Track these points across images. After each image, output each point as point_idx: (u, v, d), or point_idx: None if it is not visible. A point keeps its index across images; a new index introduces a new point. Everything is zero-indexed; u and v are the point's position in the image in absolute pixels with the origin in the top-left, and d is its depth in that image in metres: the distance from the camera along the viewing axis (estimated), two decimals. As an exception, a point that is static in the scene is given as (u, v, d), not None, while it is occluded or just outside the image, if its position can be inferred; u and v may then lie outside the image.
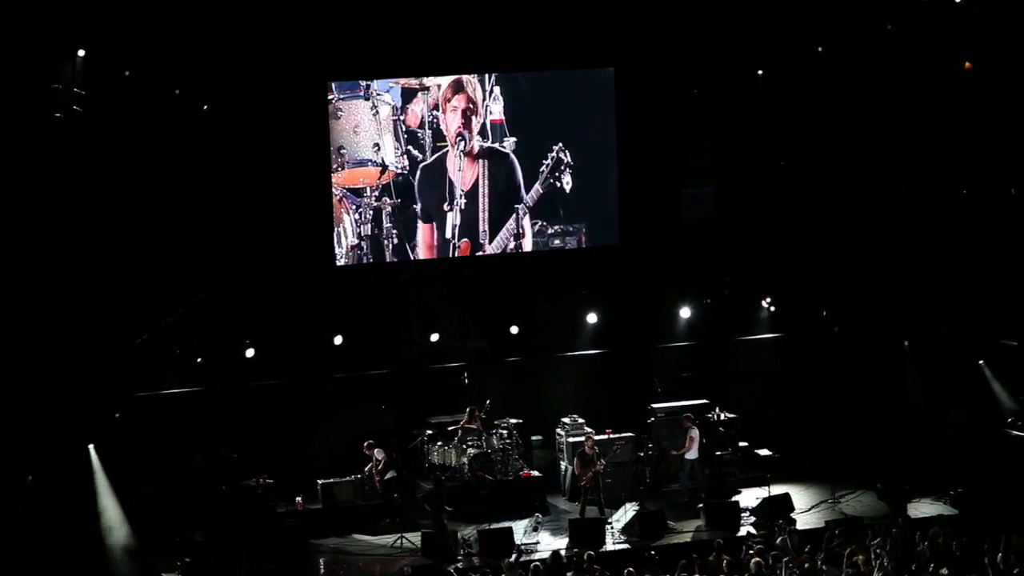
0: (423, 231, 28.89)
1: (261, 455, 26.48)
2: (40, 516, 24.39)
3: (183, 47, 26.27)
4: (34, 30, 24.67)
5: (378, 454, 26.26)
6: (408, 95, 28.56)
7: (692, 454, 26.63)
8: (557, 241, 29.55)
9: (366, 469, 26.43)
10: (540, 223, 29.44)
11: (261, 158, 27.36)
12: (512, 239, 29.23)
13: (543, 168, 29.20)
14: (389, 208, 28.73)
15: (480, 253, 29.17)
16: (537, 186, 29.23)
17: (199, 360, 27.32)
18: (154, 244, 26.77)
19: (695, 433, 26.65)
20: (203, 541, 24.50)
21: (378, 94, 28.46)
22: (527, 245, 29.36)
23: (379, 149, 28.53)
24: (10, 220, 25.07)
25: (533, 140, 29.22)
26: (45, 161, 25.44)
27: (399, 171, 28.67)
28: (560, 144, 29.24)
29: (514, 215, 29.23)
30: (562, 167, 29.22)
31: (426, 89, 28.61)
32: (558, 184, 29.29)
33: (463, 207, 28.96)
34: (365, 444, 26.39)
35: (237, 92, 27.18)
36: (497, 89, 28.90)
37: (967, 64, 27.59)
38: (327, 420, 27.44)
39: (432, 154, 28.74)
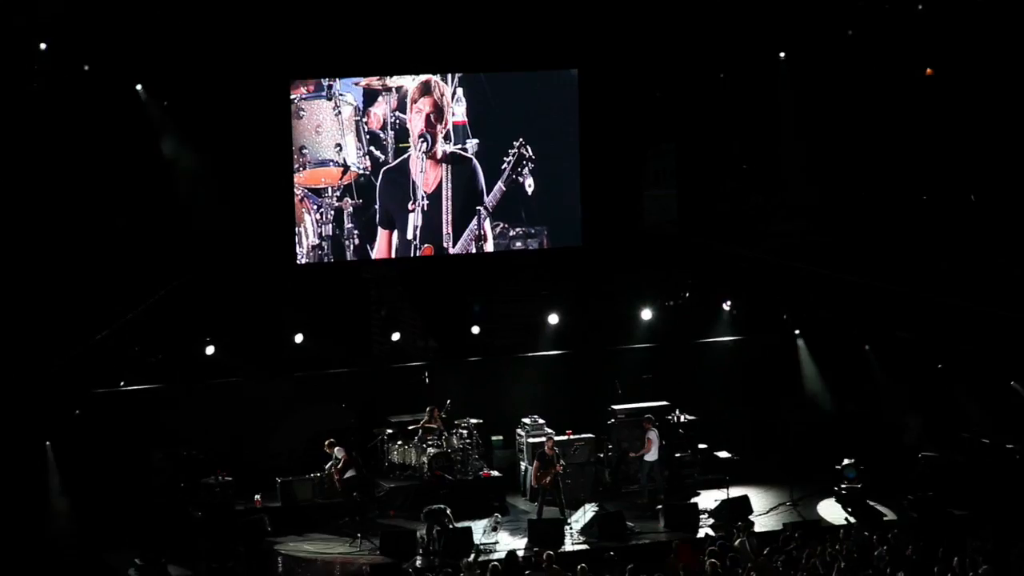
0: (381, 237, 28.79)
1: (220, 453, 26.41)
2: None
3: (145, 42, 26.15)
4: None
5: (338, 452, 26.21)
6: (370, 96, 28.48)
7: (651, 456, 26.68)
8: (519, 243, 29.54)
9: (326, 467, 26.37)
10: (502, 225, 29.42)
11: (223, 156, 27.25)
12: (473, 242, 29.19)
13: (505, 165, 29.17)
14: (351, 208, 28.64)
15: (443, 253, 29.15)
16: (499, 184, 29.19)
17: (159, 357, 27.15)
18: (114, 241, 26.62)
19: (654, 435, 26.70)
20: (161, 539, 24.42)
21: (340, 94, 28.38)
22: (489, 247, 29.31)
23: (341, 149, 28.44)
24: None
25: (496, 142, 29.19)
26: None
27: (361, 172, 28.59)
28: (521, 139, 29.21)
29: (476, 217, 29.18)
30: (524, 162, 29.20)
31: (388, 90, 28.54)
32: (520, 179, 29.26)
33: (425, 208, 28.91)
34: (325, 442, 26.34)
35: (199, 89, 27.04)
36: (460, 91, 28.86)
37: (928, 70, 27.71)
38: (287, 418, 27.40)
39: (394, 156, 28.67)
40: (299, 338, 27.77)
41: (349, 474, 26.14)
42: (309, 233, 28.52)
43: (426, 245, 28.98)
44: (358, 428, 27.53)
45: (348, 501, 26.16)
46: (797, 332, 29.71)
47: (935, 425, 27.65)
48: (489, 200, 29.19)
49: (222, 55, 26.72)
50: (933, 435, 27.46)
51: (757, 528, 24.58)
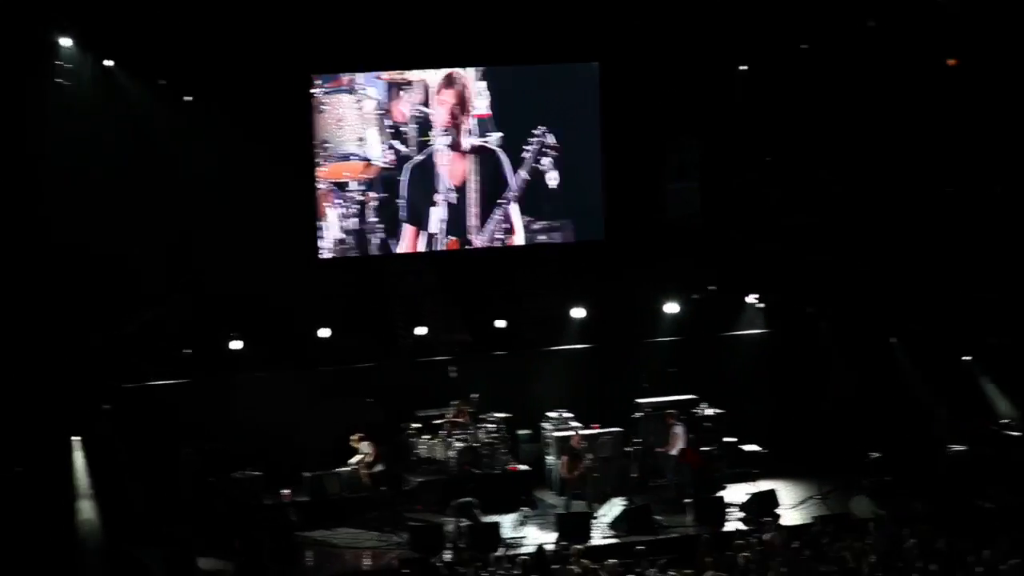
0: (407, 232, 28.84)
1: (248, 447, 26.45)
2: (27, 508, 24.36)
3: (167, 37, 26.17)
4: (18, 19, 24.60)
5: (366, 447, 26.24)
6: (393, 89, 28.47)
7: (675, 451, 26.67)
8: (543, 237, 29.54)
9: (353, 461, 26.40)
10: (526, 218, 29.43)
11: (245, 150, 27.28)
12: (500, 231, 29.17)
13: (526, 153, 29.15)
14: (374, 203, 28.64)
15: (468, 246, 29.21)
16: (522, 172, 29.18)
17: (185, 352, 27.19)
18: (140, 235, 26.66)
19: (679, 429, 26.69)
20: (190, 533, 24.49)
21: (362, 88, 28.36)
22: (519, 239, 29.33)
23: (363, 143, 28.47)
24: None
25: (519, 135, 29.20)
26: (29, 150, 25.40)
27: (384, 165, 28.60)
28: (543, 128, 29.19)
29: (501, 207, 29.16)
30: (545, 149, 29.18)
31: (409, 84, 28.53)
32: (541, 169, 29.22)
33: (452, 201, 28.92)
34: (353, 436, 26.38)
35: (221, 85, 27.10)
36: (483, 84, 28.84)
37: (951, 61, 27.66)
38: (314, 413, 27.40)
39: (418, 149, 28.68)
40: (325, 332, 27.78)
41: (378, 468, 26.19)
42: (333, 227, 28.56)
43: (451, 238, 29.02)
44: (385, 422, 27.53)
45: (376, 495, 26.20)
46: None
47: (962, 418, 27.60)
48: (513, 188, 29.15)
49: (243, 50, 26.77)
50: (960, 428, 27.42)
51: (786, 521, 24.58)
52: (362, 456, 26.28)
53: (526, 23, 28.11)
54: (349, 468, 26.53)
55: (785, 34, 28.88)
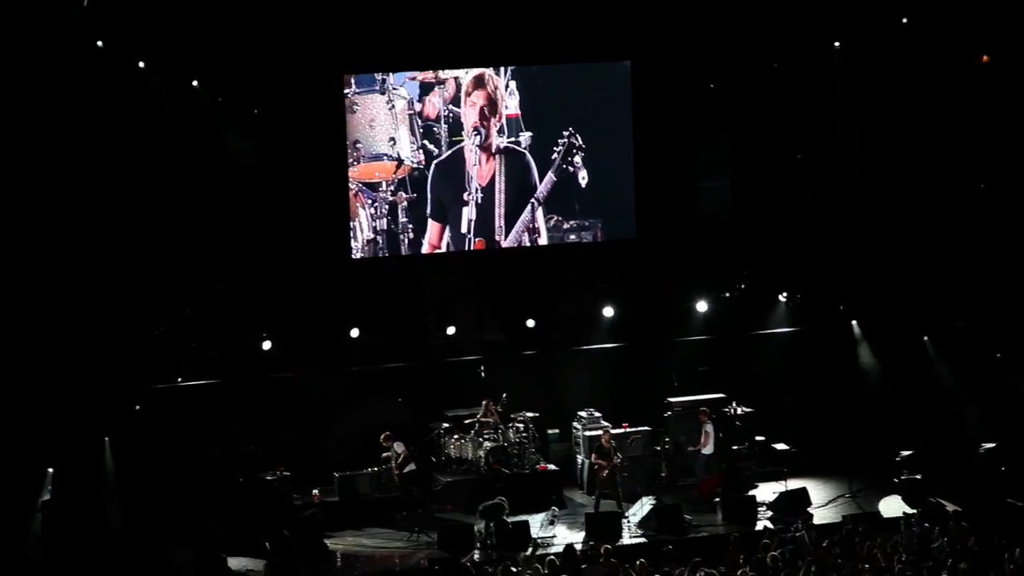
0: (433, 229, 28.79)
1: (278, 448, 26.55)
2: (61, 508, 24.51)
3: (198, 38, 26.26)
4: (52, 22, 24.76)
5: (397, 447, 26.30)
6: (425, 89, 28.48)
7: (708, 449, 26.64)
8: (573, 236, 29.47)
9: (383, 460, 26.46)
10: (556, 218, 29.36)
11: (277, 151, 27.37)
12: (526, 234, 29.17)
13: (555, 155, 29.09)
14: (405, 203, 28.65)
15: (496, 247, 29.12)
16: (550, 174, 29.11)
17: (216, 353, 27.30)
18: (171, 236, 26.79)
19: (710, 428, 26.66)
20: (220, 533, 24.58)
21: (394, 88, 28.39)
22: (542, 240, 29.28)
23: (395, 143, 28.45)
24: (32, 213, 25.22)
25: (549, 134, 29.10)
26: (62, 153, 25.55)
27: (415, 165, 28.61)
28: (571, 128, 29.11)
29: (528, 208, 29.13)
30: (574, 151, 29.11)
31: (442, 83, 28.54)
32: (571, 169, 29.17)
33: (479, 201, 28.91)
34: (382, 436, 26.44)
35: (254, 85, 27.19)
36: (513, 84, 28.81)
37: (984, 57, 27.50)
38: (344, 413, 27.50)
39: (448, 148, 28.70)
40: (355, 333, 27.84)
41: (408, 468, 26.24)
42: (364, 228, 28.55)
43: (479, 239, 28.99)
44: (414, 422, 27.56)
45: (406, 495, 26.26)
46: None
47: (994, 415, 27.43)
48: (541, 191, 29.14)
49: (276, 51, 26.82)
50: (993, 425, 27.25)
51: (816, 520, 24.50)
52: (393, 455, 26.31)
53: (558, 22, 28.06)
54: (379, 468, 26.55)
55: (816, 32, 28.70)
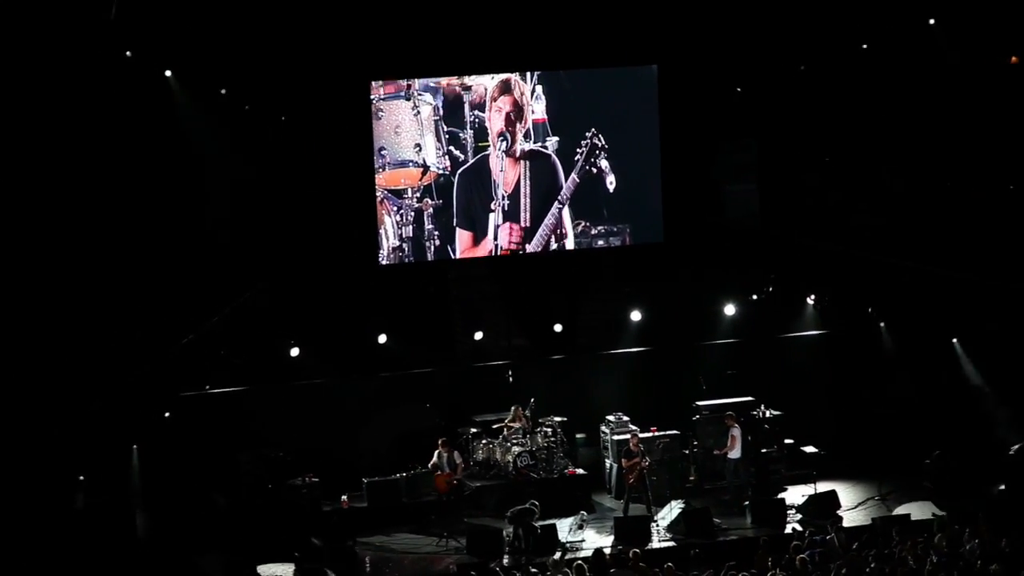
0: (463, 238, 28.77)
1: (306, 454, 26.61)
2: (93, 515, 24.63)
3: (224, 47, 26.35)
4: (82, 32, 24.89)
5: (458, 457, 26.42)
6: (450, 95, 28.47)
7: (735, 453, 26.57)
8: (601, 242, 29.41)
9: (432, 464, 26.44)
10: (584, 223, 29.33)
11: (304, 158, 27.46)
12: (553, 237, 29.12)
13: (578, 156, 29.03)
14: (431, 209, 28.62)
15: (521, 252, 29.08)
16: (573, 175, 29.07)
17: (244, 360, 27.37)
18: (200, 245, 26.90)
19: (737, 432, 26.58)
20: (250, 540, 24.66)
21: (419, 94, 28.39)
22: (569, 244, 29.24)
23: (420, 149, 28.45)
24: (64, 221, 25.35)
25: (576, 139, 29.05)
26: (95, 162, 25.68)
27: (441, 172, 28.59)
28: (593, 129, 29.04)
29: (554, 209, 29.07)
30: (597, 152, 29.06)
31: (468, 89, 28.52)
32: (594, 171, 29.10)
33: (505, 208, 28.88)
34: (440, 441, 26.51)
35: (280, 93, 27.25)
36: (539, 88, 28.79)
37: (1013, 58, 27.39)
38: (372, 419, 27.56)
39: (474, 155, 28.68)
40: (383, 339, 27.87)
41: (456, 480, 26.36)
42: (389, 235, 28.51)
43: (509, 224, 28.92)
44: (443, 427, 27.56)
45: (437, 501, 26.24)
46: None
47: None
48: (564, 192, 29.08)
49: (302, 58, 26.89)
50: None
51: (846, 523, 24.41)
52: (448, 461, 26.33)
53: (584, 27, 28.06)
54: (417, 471, 26.67)
55: (844, 34, 28.62)
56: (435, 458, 26.48)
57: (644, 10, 28.12)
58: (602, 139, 28.99)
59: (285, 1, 26.43)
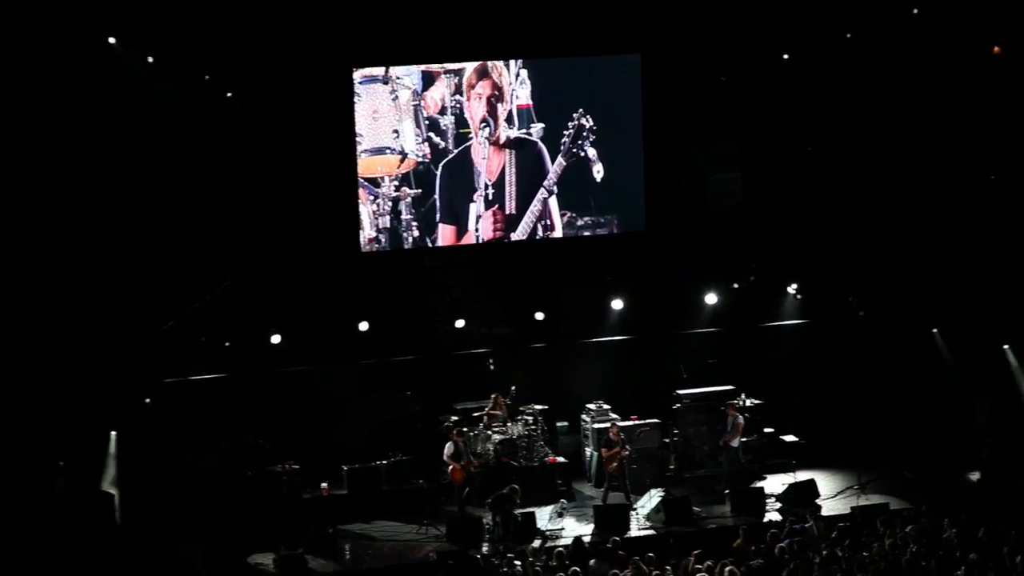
0: (446, 232, 28.63)
1: (287, 441, 26.54)
2: (73, 500, 24.59)
3: (208, 34, 26.28)
4: (63, 19, 24.82)
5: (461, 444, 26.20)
6: (429, 79, 28.20)
7: (736, 442, 26.56)
8: (587, 233, 29.37)
9: (447, 456, 26.00)
10: (570, 214, 29.26)
11: (284, 144, 27.35)
12: (537, 223, 29.04)
13: (564, 138, 28.92)
14: (409, 199, 28.37)
15: (506, 240, 29.02)
16: (560, 159, 28.93)
17: (225, 346, 27.32)
18: (181, 231, 26.85)
19: (741, 420, 26.59)
20: (231, 527, 24.64)
21: (397, 78, 27.99)
22: (557, 234, 29.17)
23: (398, 136, 28.11)
24: (43, 209, 25.31)
25: (561, 126, 28.91)
26: (72, 150, 25.61)
27: (419, 159, 28.32)
28: (581, 110, 28.88)
29: (540, 197, 28.97)
30: (584, 134, 28.94)
31: (449, 73, 28.30)
32: (581, 155, 28.99)
33: (489, 197, 28.73)
34: (454, 432, 26.20)
35: (260, 78, 27.13)
36: (524, 72, 28.60)
37: (996, 48, 27.38)
38: (353, 406, 27.53)
39: (455, 142, 28.45)
40: (364, 326, 27.83)
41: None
42: (366, 226, 28.23)
43: (493, 208, 28.83)
44: (424, 415, 27.54)
45: (414, 488, 26.20)
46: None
47: (1003, 407, 27.33)
48: (550, 177, 28.97)
49: (284, 45, 26.78)
50: (1001, 417, 27.17)
51: (824, 512, 24.44)
52: (462, 450, 26.00)
53: (568, 14, 27.98)
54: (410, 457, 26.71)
55: (828, 23, 28.61)
56: (450, 449, 25.90)
57: (628, -2, 28.10)
58: (590, 120, 28.83)
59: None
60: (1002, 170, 27.98)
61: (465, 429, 26.70)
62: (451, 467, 25.80)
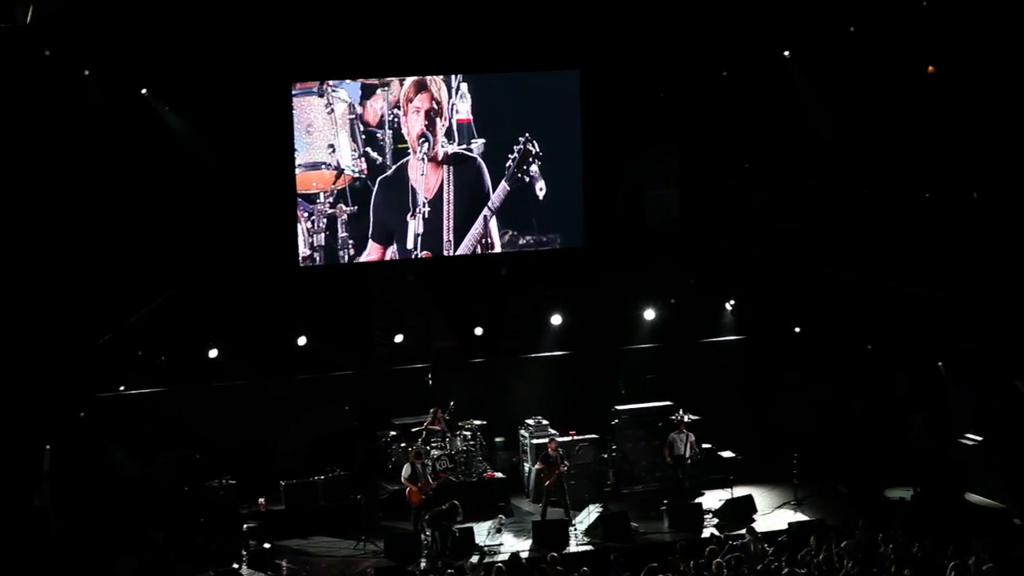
0: (373, 250, 28.39)
1: (224, 456, 26.40)
2: (4, 516, 24.38)
3: (147, 46, 26.11)
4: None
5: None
6: (367, 91, 28.02)
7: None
8: (529, 250, 29.37)
9: (404, 478, 25.70)
10: (511, 232, 29.21)
11: (223, 157, 27.20)
12: (478, 246, 28.95)
13: (509, 163, 28.92)
14: (345, 216, 28.15)
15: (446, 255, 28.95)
16: (504, 183, 28.94)
17: (162, 360, 27.15)
18: (117, 244, 26.63)
19: (692, 436, 26.77)
20: (165, 542, 24.43)
21: (333, 90, 27.78)
22: (496, 251, 29.15)
23: (334, 150, 27.90)
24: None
25: (502, 142, 28.86)
26: (7, 159, 25.37)
27: (356, 175, 28.09)
28: (527, 135, 28.88)
29: (481, 219, 28.94)
30: (530, 160, 28.96)
31: (386, 85, 28.13)
32: (526, 179, 29.00)
33: (426, 215, 28.56)
34: (413, 452, 25.99)
35: (199, 93, 26.97)
36: (464, 87, 28.56)
37: (930, 68, 27.60)
38: (291, 421, 27.44)
39: (393, 157, 28.26)
40: (302, 340, 27.72)
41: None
42: (300, 244, 27.92)
43: (426, 252, 28.69)
44: (362, 430, 27.45)
45: (352, 504, 26.04)
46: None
47: (938, 423, 27.56)
48: (494, 200, 28.97)
49: (222, 59, 26.63)
50: (936, 433, 27.39)
51: (761, 528, 24.48)
52: (419, 472, 25.62)
53: (507, 30, 27.96)
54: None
55: (767, 40, 28.78)
56: (407, 471, 25.52)
57: (567, 14, 28.04)
58: (535, 146, 28.81)
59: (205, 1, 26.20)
60: (936, 188, 28.19)
61: (429, 448, 26.62)
62: (408, 489, 25.50)
